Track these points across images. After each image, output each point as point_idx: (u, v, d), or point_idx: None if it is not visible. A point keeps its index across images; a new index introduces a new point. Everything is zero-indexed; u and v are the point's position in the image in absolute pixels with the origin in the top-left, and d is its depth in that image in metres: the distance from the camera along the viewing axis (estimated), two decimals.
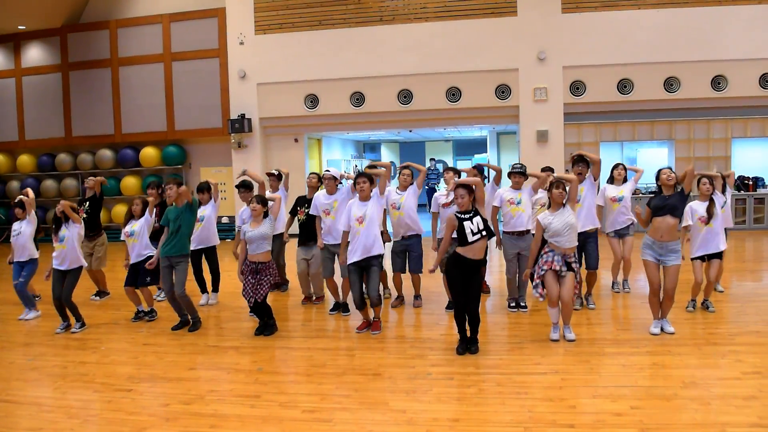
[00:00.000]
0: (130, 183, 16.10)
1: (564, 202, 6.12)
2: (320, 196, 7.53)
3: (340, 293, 7.65)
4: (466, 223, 5.73)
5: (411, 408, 4.67)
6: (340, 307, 7.62)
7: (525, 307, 7.44)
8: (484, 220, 5.78)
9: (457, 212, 5.86)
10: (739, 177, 14.13)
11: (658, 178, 6.37)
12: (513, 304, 7.48)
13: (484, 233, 5.72)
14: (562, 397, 4.74)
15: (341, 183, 7.62)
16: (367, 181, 6.64)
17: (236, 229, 7.64)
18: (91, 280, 8.92)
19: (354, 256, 6.51)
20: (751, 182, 14.09)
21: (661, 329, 6.23)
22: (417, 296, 7.86)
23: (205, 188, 8.26)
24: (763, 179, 14.23)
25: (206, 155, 16.44)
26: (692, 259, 7.05)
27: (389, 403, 4.80)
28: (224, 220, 15.30)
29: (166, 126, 16.07)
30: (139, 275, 7.51)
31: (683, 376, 5.04)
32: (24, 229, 7.80)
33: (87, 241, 8.65)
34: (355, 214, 6.56)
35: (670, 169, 6.39)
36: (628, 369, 5.30)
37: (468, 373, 5.35)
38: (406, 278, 7.82)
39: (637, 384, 4.95)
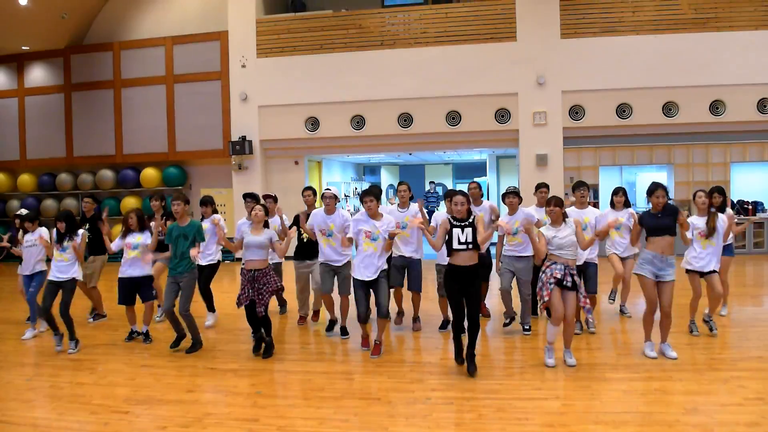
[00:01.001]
0: (130, 204, 16.05)
1: (565, 219, 6.12)
2: (318, 215, 7.40)
3: (336, 312, 7.58)
4: (456, 231, 5.78)
5: None
6: (335, 326, 7.58)
7: (528, 330, 7.40)
8: (475, 236, 5.77)
9: (452, 217, 5.87)
10: (739, 201, 14.16)
11: (651, 194, 6.22)
12: (507, 321, 7.49)
13: (470, 246, 5.73)
14: (563, 423, 4.69)
15: (339, 201, 7.58)
16: (374, 199, 6.60)
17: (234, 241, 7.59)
18: (87, 297, 8.86)
19: (362, 274, 6.53)
20: (750, 206, 14.12)
21: (663, 354, 6.20)
22: (416, 319, 7.80)
23: (208, 201, 8.31)
24: (762, 203, 14.26)
25: (207, 177, 16.48)
26: (687, 272, 6.96)
27: (388, 428, 4.75)
28: None
29: (167, 147, 16.14)
30: (141, 292, 7.48)
31: (685, 403, 5.00)
32: (38, 243, 7.85)
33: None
34: (363, 227, 6.58)
35: (664, 188, 6.24)
36: (630, 395, 5.26)
37: (467, 398, 5.30)
38: (406, 299, 7.81)
39: (639, 410, 4.91)
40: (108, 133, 16.47)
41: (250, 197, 8.25)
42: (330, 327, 7.62)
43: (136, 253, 7.44)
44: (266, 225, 6.83)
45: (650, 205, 6.27)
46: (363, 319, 6.66)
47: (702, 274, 6.89)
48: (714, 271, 6.87)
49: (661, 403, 5.05)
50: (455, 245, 5.78)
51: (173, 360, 6.74)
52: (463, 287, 5.77)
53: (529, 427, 4.63)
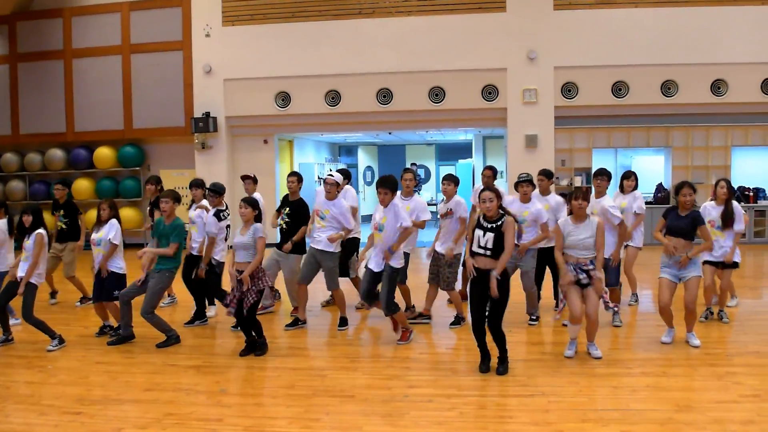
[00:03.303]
0: (82, 186, 15.89)
1: (589, 213, 6.22)
2: (320, 194, 7.50)
3: (308, 307, 7.61)
4: (478, 232, 5.74)
5: None
6: (299, 323, 7.63)
7: (536, 320, 7.56)
8: (499, 240, 5.64)
9: (483, 216, 5.83)
10: (739, 188, 14.39)
11: (677, 192, 6.48)
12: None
13: (488, 253, 5.67)
14: (548, 421, 4.78)
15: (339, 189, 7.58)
16: (389, 192, 6.71)
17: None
18: (74, 285, 9.22)
19: (372, 263, 6.84)
20: (751, 193, 14.36)
21: (687, 342, 6.52)
22: (408, 308, 7.90)
23: (200, 184, 8.34)
24: (764, 190, 14.52)
25: (167, 156, 16.33)
26: (702, 263, 7.21)
27: (363, 427, 4.80)
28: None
29: (123, 124, 15.94)
30: (103, 289, 7.37)
31: (678, 399, 5.12)
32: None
33: (57, 243, 9.01)
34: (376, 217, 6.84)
35: (691, 186, 6.47)
36: (620, 391, 5.37)
37: (449, 395, 5.37)
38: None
39: (629, 407, 5.01)
40: (58, 109, 16.21)
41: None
42: (293, 323, 7.63)
43: (99, 249, 7.35)
44: (258, 219, 6.77)
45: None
46: (364, 297, 6.98)
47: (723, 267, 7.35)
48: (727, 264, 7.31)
49: (652, 399, 5.17)
50: (474, 247, 5.76)
51: (130, 356, 6.72)
52: (482, 290, 5.72)
53: (512, 426, 4.72)
